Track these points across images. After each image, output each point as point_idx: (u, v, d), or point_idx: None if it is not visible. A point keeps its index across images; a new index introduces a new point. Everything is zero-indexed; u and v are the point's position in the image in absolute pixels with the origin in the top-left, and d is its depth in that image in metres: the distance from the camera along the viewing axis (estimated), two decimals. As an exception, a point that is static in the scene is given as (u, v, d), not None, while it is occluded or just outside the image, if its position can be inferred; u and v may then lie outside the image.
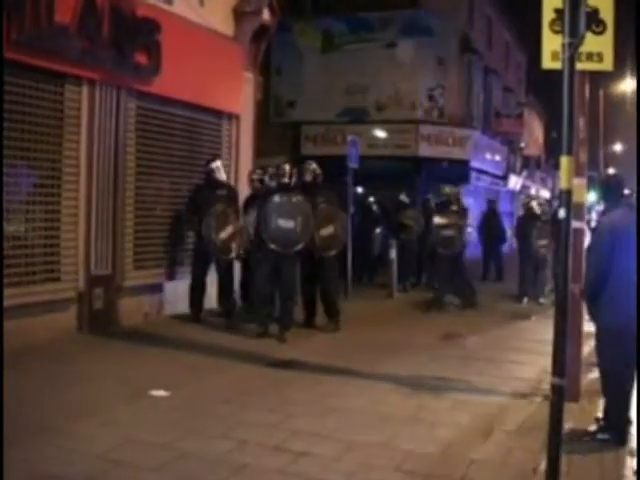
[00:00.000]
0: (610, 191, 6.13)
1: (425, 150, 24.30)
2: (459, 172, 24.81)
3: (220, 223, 10.44)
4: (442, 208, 13.71)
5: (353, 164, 14.86)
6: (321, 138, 24.97)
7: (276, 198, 9.85)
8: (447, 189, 13.89)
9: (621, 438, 5.76)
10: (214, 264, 10.73)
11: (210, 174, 10.97)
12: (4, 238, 8.25)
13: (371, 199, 18.68)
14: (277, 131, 24.24)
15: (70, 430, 5.62)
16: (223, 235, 10.43)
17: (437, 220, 13.45)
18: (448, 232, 13.25)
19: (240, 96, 12.71)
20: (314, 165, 10.77)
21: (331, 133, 24.57)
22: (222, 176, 11.10)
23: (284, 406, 6.59)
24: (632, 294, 5.47)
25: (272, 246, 9.64)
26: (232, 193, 11.06)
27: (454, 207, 13.65)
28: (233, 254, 10.57)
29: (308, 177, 10.57)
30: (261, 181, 11.01)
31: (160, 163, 11.18)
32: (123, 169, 10.21)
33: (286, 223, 9.68)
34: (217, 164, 11.05)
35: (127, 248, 10.40)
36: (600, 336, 5.91)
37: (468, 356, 9.27)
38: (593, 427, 5.96)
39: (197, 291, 10.87)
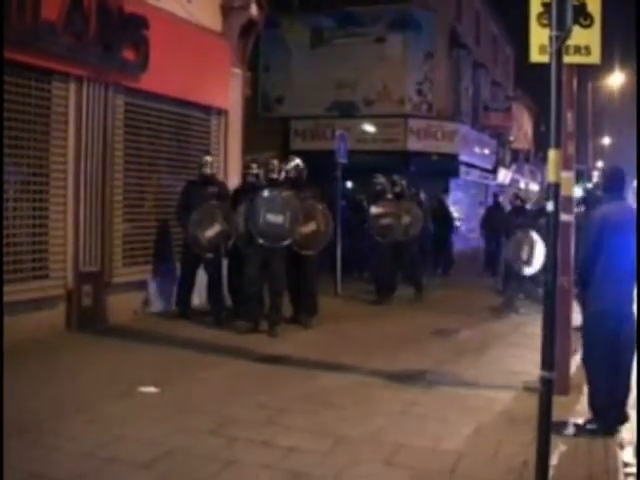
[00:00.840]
0: (612, 182, 6.20)
1: (414, 144, 24.35)
2: (448, 166, 24.91)
3: (207, 221, 10.41)
4: (377, 197, 13.61)
5: (342, 159, 14.83)
6: (310, 133, 24.99)
7: (265, 193, 9.87)
8: (381, 178, 13.84)
9: (608, 428, 5.78)
10: (203, 262, 10.69)
11: (201, 170, 10.91)
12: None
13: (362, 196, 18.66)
14: (266, 126, 24.21)
15: (58, 428, 5.60)
16: (209, 233, 10.38)
17: (373, 210, 13.39)
18: (385, 221, 13.29)
19: (228, 92, 12.68)
20: (297, 160, 10.74)
21: (320, 128, 24.58)
22: (213, 172, 11.06)
23: (274, 401, 6.58)
24: (618, 281, 5.70)
25: (261, 241, 9.65)
26: (223, 190, 11.01)
27: (389, 195, 13.66)
28: (214, 254, 10.46)
29: (292, 173, 10.52)
30: (257, 176, 11.00)
31: (148, 159, 11.15)
32: (111, 165, 10.17)
33: (275, 218, 9.69)
34: (208, 159, 11.00)
35: (116, 245, 10.37)
36: (584, 322, 6.06)
37: (459, 350, 9.28)
38: (581, 419, 5.99)
39: (185, 288, 10.86)
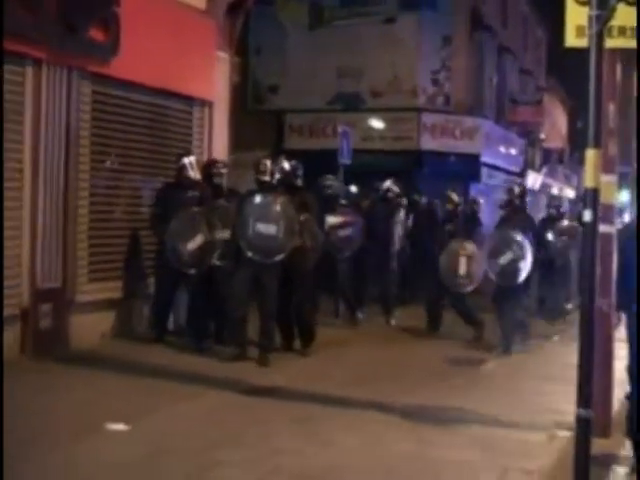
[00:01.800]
0: None
1: (428, 143, 24.33)
2: (468, 168, 24.85)
3: (188, 231, 10.41)
4: (327, 203, 12.99)
5: (345, 159, 14.84)
6: (308, 129, 24.98)
7: (256, 199, 9.87)
8: (330, 181, 13.62)
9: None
10: (184, 278, 10.67)
11: (181, 172, 10.91)
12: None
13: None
14: (257, 121, 24.19)
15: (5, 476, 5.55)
16: (191, 245, 10.37)
17: (330, 220, 12.98)
18: (344, 232, 13.20)
19: (213, 79, 12.69)
20: (283, 161, 10.66)
21: (320, 123, 24.56)
22: (196, 175, 11.04)
23: (265, 441, 6.56)
24: None
25: (250, 254, 9.64)
26: (205, 195, 11.00)
27: (343, 201, 13.67)
28: (197, 269, 10.46)
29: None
30: (221, 176, 11.01)
31: (120, 158, 11.15)
32: (75, 165, 10.14)
33: (267, 228, 9.66)
34: (190, 160, 10.99)
35: (80, 257, 10.34)
36: (628, 327, 6.16)
37: (481, 383, 9.27)
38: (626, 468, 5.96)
39: (162, 308, 10.87)
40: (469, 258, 11.91)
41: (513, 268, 11.35)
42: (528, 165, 33.58)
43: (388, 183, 14.37)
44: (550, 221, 15.69)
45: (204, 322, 10.76)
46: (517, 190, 12.55)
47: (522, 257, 11.32)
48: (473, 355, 11.05)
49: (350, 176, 15.19)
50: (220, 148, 13.01)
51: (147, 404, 7.57)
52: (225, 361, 9.69)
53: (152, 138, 11.70)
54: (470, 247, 11.98)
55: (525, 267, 11.32)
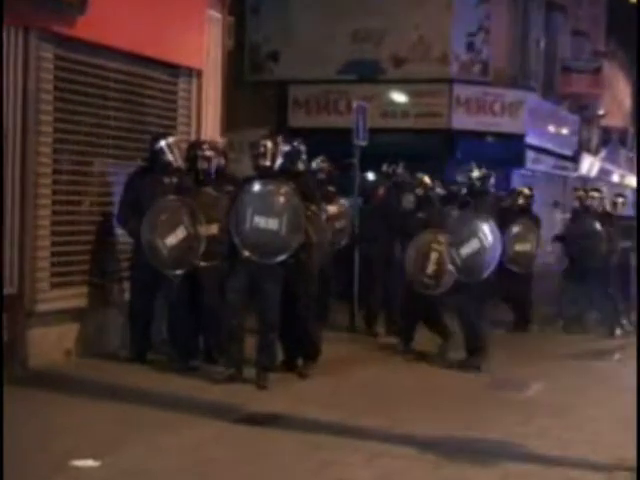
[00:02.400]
0: None
1: (461, 120, 24.29)
2: (509, 151, 24.78)
3: (168, 223, 10.42)
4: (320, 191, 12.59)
5: (360, 140, 14.83)
6: (316, 104, 24.96)
7: (254, 187, 9.87)
8: (321, 163, 13.78)
9: None
10: (165, 282, 10.70)
11: (158, 156, 10.94)
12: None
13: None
14: (255, 94, 24.21)
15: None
16: (171, 240, 10.37)
17: (330, 210, 13.11)
18: (340, 224, 13.56)
19: (202, 44, 12.71)
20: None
21: (330, 97, 24.57)
22: (177, 159, 11.07)
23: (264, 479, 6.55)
24: None
25: (247, 254, 9.65)
26: (186, 182, 11.01)
27: (331, 188, 13.75)
28: (180, 270, 10.48)
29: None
30: (209, 160, 11.01)
31: (89, 137, 11.14)
32: (34, 146, 10.14)
33: (267, 222, 9.68)
34: (168, 142, 11.02)
35: (41, 258, 10.34)
36: None
37: (525, 410, 9.27)
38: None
39: (141, 320, 10.89)
40: (441, 255, 11.88)
41: (477, 260, 11.42)
42: (583, 147, 33.49)
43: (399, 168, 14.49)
44: (608, 217, 15.87)
45: (190, 336, 10.76)
46: (477, 173, 12.61)
47: (487, 248, 11.40)
48: (510, 374, 11.02)
49: (367, 160, 15.17)
50: (211, 127, 13.03)
51: (122, 436, 7.58)
52: (216, 383, 9.71)
53: (128, 114, 11.72)
54: (444, 240, 11.88)
55: (491, 260, 11.40)
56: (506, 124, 24.91)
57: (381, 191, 14.97)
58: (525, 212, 16.02)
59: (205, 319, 10.78)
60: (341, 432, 8.00)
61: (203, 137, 12.61)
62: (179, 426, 7.96)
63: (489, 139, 24.43)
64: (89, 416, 8.21)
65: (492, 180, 12.79)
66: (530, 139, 26.06)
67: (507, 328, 15.05)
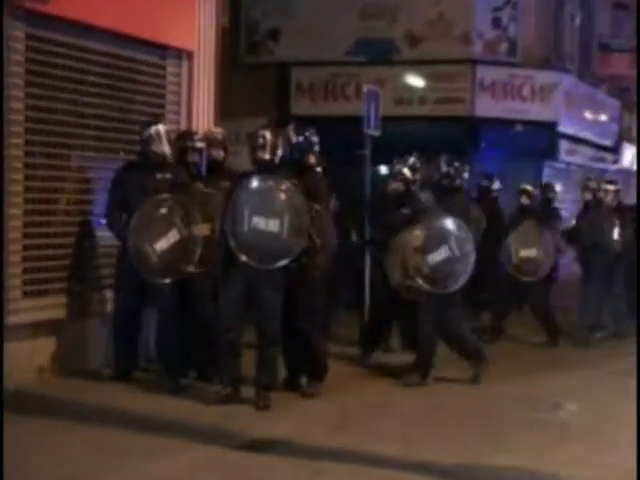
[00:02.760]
0: None
1: (486, 107, 24.22)
2: (541, 141, 24.75)
3: (158, 226, 10.42)
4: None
5: (372, 130, 14.82)
6: (322, 88, 24.94)
7: (252, 183, 9.86)
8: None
9: None
10: (153, 291, 10.69)
11: (147, 146, 10.90)
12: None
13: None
14: (253, 77, 24.22)
15: None
16: (162, 245, 10.38)
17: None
18: None
19: (194, 21, 12.74)
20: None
21: (338, 81, 24.56)
22: (166, 150, 11.02)
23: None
24: None
25: (244, 258, 9.65)
26: (181, 177, 11.00)
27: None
28: (170, 278, 10.47)
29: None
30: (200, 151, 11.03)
31: (66, 128, 11.15)
32: (3, 138, 10.12)
33: (266, 223, 9.67)
34: (158, 130, 10.94)
35: (12, 264, 10.30)
36: None
37: (558, 435, 9.28)
38: None
39: (125, 333, 10.88)
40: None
41: (448, 270, 11.35)
42: (624, 136, 33.35)
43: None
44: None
45: (181, 351, 10.77)
46: (445, 166, 12.37)
47: (461, 256, 11.35)
48: (538, 394, 11.02)
49: (379, 152, 15.17)
50: (204, 115, 13.03)
51: (105, 463, 7.60)
52: (211, 404, 9.72)
53: (110, 101, 11.74)
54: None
55: (464, 270, 11.34)
56: (536, 110, 24.82)
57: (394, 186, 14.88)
58: (529, 212, 15.95)
59: (197, 332, 10.80)
60: (348, 458, 8.01)
61: (195, 127, 12.63)
62: (170, 452, 7.98)
63: (517, 127, 24.33)
64: (67, 442, 8.21)
65: (466, 175, 12.55)
66: (564, 127, 25.97)
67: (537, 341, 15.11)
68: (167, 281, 10.40)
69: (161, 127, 11.03)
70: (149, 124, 11.09)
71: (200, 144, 11.13)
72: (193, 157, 11.03)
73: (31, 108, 10.63)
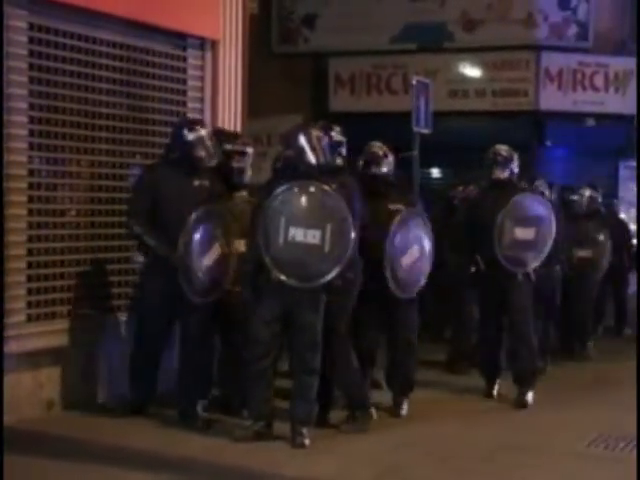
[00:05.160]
0: None
1: (552, 99, 24.20)
2: (616, 137, 24.65)
3: (202, 240, 10.37)
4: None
5: (422, 127, 14.81)
6: (365, 81, 25.00)
7: (290, 190, 9.79)
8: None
9: None
10: (182, 313, 10.67)
11: (190, 150, 10.69)
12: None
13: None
14: (286, 69, 24.29)
15: None
16: (206, 261, 10.40)
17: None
18: None
19: (218, 7, 12.76)
20: (331, 131, 10.53)
21: (382, 72, 24.59)
22: (211, 155, 10.87)
23: None
24: None
25: (281, 277, 9.61)
26: (220, 186, 10.95)
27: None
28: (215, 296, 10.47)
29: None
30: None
31: (74, 129, 11.16)
32: (4, 141, 10.13)
33: (306, 235, 9.63)
34: (201, 135, 10.78)
35: (14, 284, 10.33)
36: None
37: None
38: None
39: (146, 363, 10.85)
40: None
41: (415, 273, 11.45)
42: None
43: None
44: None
45: (207, 382, 10.80)
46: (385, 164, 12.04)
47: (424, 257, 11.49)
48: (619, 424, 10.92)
49: (430, 152, 15.14)
50: (230, 112, 13.07)
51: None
52: (239, 441, 9.69)
53: (124, 99, 11.79)
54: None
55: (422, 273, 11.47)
56: (611, 102, 24.76)
57: (471, 192, 14.57)
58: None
59: (228, 361, 10.78)
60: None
61: (220, 125, 12.62)
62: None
63: (589, 122, 24.27)
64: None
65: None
66: (644, 121, 25.90)
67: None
68: (206, 300, 10.37)
69: (204, 132, 10.93)
70: (186, 124, 11.06)
71: (249, 149, 11.04)
72: (239, 163, 10.94)
73: (35, 107, 10.69)
